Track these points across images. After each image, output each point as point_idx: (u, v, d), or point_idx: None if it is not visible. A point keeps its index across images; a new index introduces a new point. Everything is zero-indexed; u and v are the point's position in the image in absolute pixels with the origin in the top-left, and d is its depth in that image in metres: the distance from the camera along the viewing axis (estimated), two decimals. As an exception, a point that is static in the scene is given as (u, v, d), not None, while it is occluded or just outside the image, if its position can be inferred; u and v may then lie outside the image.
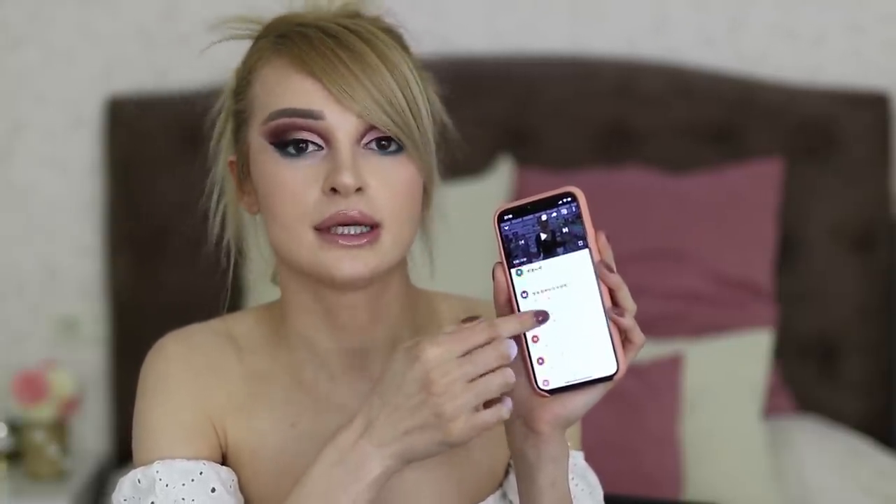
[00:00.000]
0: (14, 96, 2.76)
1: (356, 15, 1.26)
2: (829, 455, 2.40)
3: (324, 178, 1.19)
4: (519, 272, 1.14)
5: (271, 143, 1.21)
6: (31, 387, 2.53)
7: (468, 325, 1.12)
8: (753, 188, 2.61)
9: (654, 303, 2.49)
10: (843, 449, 2.44)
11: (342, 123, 1.20)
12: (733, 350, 2.43)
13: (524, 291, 1.14)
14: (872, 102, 2.72)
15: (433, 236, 1.33)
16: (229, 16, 1.31)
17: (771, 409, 2.52)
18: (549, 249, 1.13)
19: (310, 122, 1.20)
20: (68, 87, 2.76)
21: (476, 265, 2.50)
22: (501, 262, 1.15)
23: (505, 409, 1.12)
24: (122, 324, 2.70)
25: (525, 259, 1.14)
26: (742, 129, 2.69)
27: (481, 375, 1.10)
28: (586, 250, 1.13)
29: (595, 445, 2.31)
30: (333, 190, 1.18)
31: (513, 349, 1.12)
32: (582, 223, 1.13)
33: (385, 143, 1.21)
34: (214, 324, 1.31)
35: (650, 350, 2.41)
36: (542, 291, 1.14)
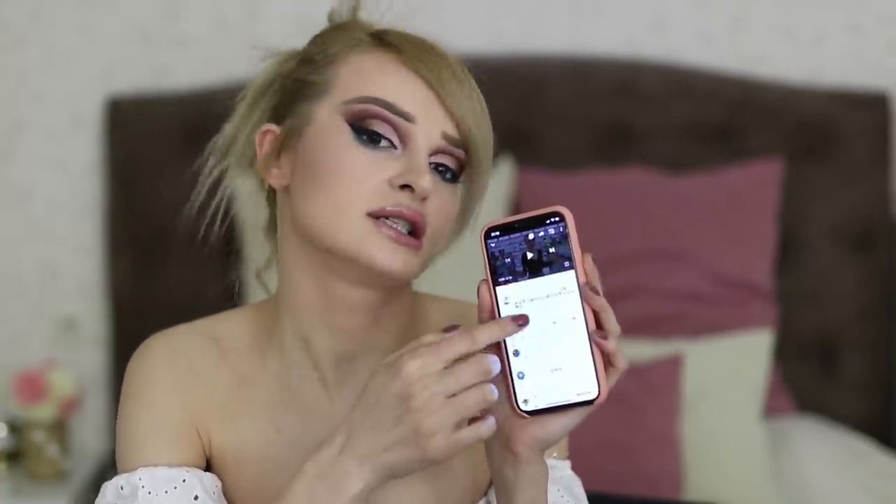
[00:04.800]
0: (14, 96, 2.76)
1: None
2: (829, 455, 2.40)
3: (394, 173, 1.19)
4: (504, 290, 1.13)
5: (349, 123, 1.21)
6: (31, 387, 2.53)
7: (448, 334, 1.10)
8: (753, 188, 2.61)
9: (654, 303, 2.49)
10: (843, 449, 2.44)
11: (428, 133, 1.21)
12: (733, 350, 2.43)
13: (508, 310, 1.12)
14: (872, 102, 2.71)
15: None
16: (270, 51, 1.30)
17: (771, 409, 2.52)
18: (534, 269, 1.12)
19: (400, 120, 1.20)
20: (68, 87, 2.76)
21: (474, 267, 2.50)
22: (486, 280, 1.14)
23: (485, 427, 1.09)
24: (122, 324, 2.70)
25: (511, 277, 1.13)
26: (742, 129, 2.69)
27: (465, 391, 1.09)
28: (572, 271, 1.11)
29: (595, 445, 2.31)
30: (404, 187, 1.18)
31: (496, 365, 1.10)
32: (569, 244, 1.11)
33: (443, 169, 1.22)
34: (200, 325, 1.30)
35: (650, 350, 2.41)
36: (526, 310, 1.12)
